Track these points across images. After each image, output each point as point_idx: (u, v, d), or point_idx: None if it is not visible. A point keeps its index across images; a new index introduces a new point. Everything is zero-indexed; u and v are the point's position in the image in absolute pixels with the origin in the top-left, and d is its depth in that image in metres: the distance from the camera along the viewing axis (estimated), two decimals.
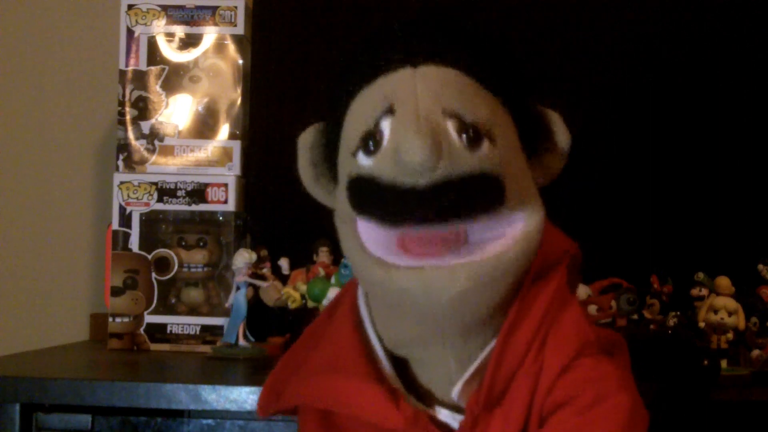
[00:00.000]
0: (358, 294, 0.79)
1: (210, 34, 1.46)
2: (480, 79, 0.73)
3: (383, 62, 0.73)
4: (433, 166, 0.67)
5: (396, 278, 0.69)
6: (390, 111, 0.70)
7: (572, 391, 0.71)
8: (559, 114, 0.77)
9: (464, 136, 0.69)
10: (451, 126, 0.70)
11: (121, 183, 1.43)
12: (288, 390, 0.79)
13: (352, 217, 0.73)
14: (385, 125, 0.70)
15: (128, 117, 1.45)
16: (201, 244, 1.43)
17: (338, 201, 0.76)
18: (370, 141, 0.71)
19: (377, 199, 0.69)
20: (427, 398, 0.76)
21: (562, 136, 0.77)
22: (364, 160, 0.71)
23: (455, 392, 0.74)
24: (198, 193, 1.42)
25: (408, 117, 0.69)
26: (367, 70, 0.73)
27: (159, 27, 1.46)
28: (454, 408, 0.75)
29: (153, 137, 1.45)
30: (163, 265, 1.42)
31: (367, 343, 0.77)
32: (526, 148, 0.75)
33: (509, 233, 0.71)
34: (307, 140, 0.79)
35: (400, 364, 0.77)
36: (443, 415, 0.75)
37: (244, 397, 1.04)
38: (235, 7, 1.46)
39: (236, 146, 1.45)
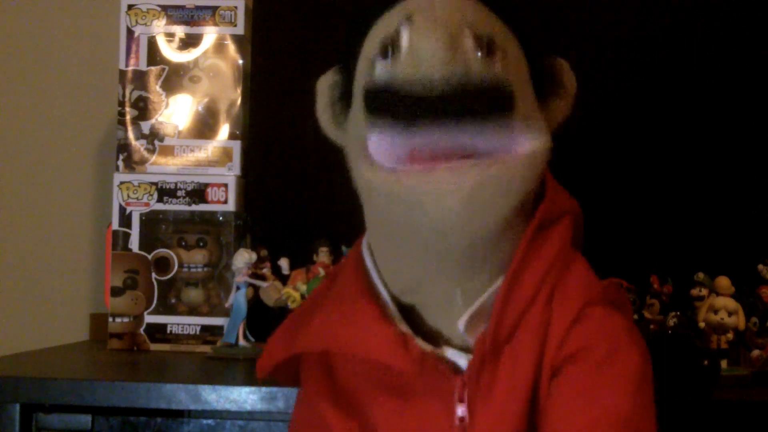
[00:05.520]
0: (362, 248, 0.81)
1: (210, 34, 1.46)
2: (496, 11, 0.75)
3: None
4: (449, 60, 0.69)
5: (406, 181, 0.70)
6: (409, 19, 0.72)
7: (584, 342, 0.73)
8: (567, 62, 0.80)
9: (479, 44, 0.71)
10: (467, 33, 0.71)
11: (121, 183, 1.43)
12: (294, 341, 0.80)
13: (363, 138, 0.74)
14: (404, 30, 0.72)
15: (128, 117, 1.45)
16: (201, 244, 1.43)
17: (351, 124, 0.77)
18: (389, 47, 0.72)
19: (393, 100, 0.71)
20: (434, 340, 0.77)
21: (569, 81, 0.80)
22: (381, 65, 0.73)
23: (462, 323, 0.75)
24: (198, 193, 1.42)
25: (426, 19, 0.71)
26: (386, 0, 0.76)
27: (159, 27, 1.46)
28: (462, 348, 0.76)
29: (153, 137, 1.45)
30: (163, 265, 1.42)
31: (373, 291, 0.78)
32: (535, 91, 0.77)
33: (515, 149, 0.72)
34: (326, 81, 0.81)
35: (406, 312, 0.78)
36: (451, 354, 0.76)
37: (244, 397, 1.04)
38: (235, 7, 1.46)
39: (236, 146, 1.45)
